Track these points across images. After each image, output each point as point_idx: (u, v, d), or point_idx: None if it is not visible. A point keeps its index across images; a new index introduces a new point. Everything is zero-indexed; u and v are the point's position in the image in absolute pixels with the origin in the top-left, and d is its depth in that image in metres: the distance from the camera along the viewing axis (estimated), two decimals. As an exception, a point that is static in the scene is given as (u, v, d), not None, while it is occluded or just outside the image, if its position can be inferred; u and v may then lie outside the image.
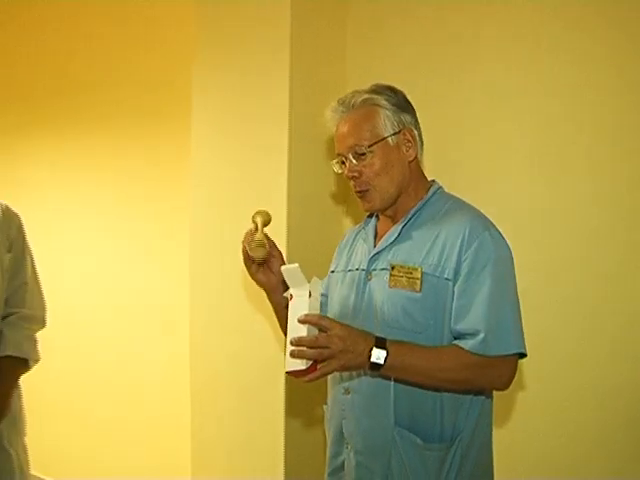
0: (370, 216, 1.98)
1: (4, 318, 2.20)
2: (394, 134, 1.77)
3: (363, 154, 1.76)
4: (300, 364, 1.59)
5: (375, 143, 1.76)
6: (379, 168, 1.77)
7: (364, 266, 1.85)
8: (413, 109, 1.85)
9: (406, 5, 2.48)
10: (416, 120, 1.84)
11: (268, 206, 2.34)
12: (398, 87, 1.83)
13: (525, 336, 1.67)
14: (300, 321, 1.61)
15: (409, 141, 1.80)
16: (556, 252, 2.20)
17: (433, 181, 1.89)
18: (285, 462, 2.43)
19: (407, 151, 1.80)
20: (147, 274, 3.46)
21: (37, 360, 2.25)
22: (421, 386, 1.71)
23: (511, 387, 1.68)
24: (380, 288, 1.78)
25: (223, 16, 2.53)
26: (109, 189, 3.60)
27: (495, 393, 1.81)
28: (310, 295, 1.67)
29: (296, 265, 1.70)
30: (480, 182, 2.32)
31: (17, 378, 2.22)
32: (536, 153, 2.23)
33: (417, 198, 1.83)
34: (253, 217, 1.86)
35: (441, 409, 1.73)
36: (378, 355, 1.60)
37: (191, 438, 2.69)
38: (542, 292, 2.21)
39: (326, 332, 1.58)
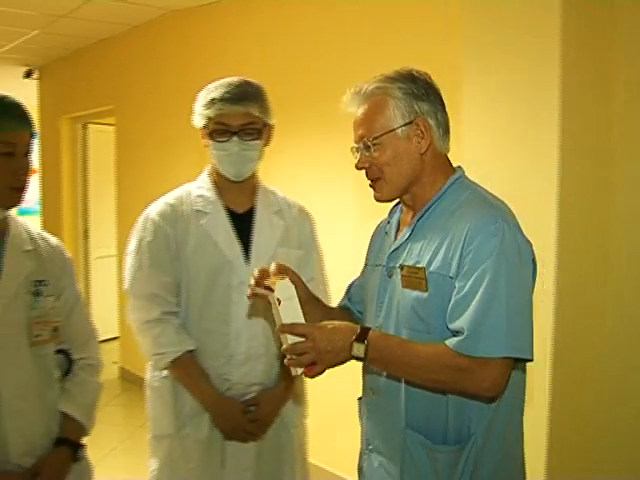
0: (397, 205, 1.92)
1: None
2: (404, 125, 1.70)
3: (369, 146, 1.72)
4: (295, 371, 1.64)
5: (382, 135, 1.71)
6: (387, 160, 1.72)
7: (385, 262, 1.82)
8: (435, 96, 1.76)
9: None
10: (436, 108, 1.75)
11: (535, 216, 2.26)
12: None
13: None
14: (278, 332, 1.64)
15: (422, 132, 1.71)
16: None
17: (457, 169, 1.80)
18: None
19: (419, 143, 1.72)
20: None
21: None
22: (410, 382, 1.67)
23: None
24: (397, 287, 1.75)
25: (489, 20, 2.51)
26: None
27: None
28: (280, 302, 1.64)
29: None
30: None
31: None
32: None
33: (434, 190, 1.76)
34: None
35: (449, 411, 1.68)
36: (358, 349, 1.59)
37: (548, 437, 2.49)
38: None
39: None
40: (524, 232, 1.70)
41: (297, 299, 1.67)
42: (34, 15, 5.60)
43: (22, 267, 1.99)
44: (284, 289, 1.67)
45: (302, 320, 1.65)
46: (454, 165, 1.83)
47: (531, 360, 1.63)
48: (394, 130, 1.71)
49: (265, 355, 2.34)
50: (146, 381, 2.43)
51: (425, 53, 3.39)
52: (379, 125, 1.71)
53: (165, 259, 2.30)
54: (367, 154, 1.74)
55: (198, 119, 2.30)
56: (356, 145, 1.77)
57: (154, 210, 2.36)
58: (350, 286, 2.12)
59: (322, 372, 1.64)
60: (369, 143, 1.73)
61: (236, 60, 4.73)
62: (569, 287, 2.32)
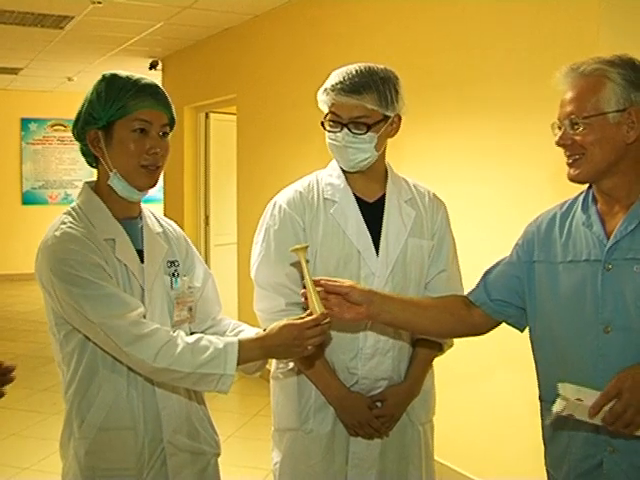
0: (585, 199, 1.86)
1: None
2: (617, 111, 1.70)
3: (577, 124, 1.72)
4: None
5: (593, 116, 1.71)
6: (591, 141, 1.71)
7: (598, 256, 1.75)
8: None
9: None
10: None
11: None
12: None
13: None
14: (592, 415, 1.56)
15: (633, 122, 1.70)
16: None
17: None
18: None
19: (627, 132, 1.71)
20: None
21: (450, 345, 2.36)
22: None
23: None
24: (629, 280, 1.70)
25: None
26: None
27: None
28: None
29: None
30: None
31: (430, 361, 2.36)
32: None
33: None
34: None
35: None
36: None
37: None
38: None
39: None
40: None
41: None
42: (159, 7, 5.73)
43: (160, 249, 2.06)
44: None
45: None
46: None
47: None
48: (605, 114, 1.71)
49: (393, 350, 2.28)
50: (270, 373, 2.40)
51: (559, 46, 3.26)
52: (591, 105, 1.72)
53: None
54: (571, 132, 1.75)
55: (321, 105, 2.25)
56: (560, 122, 1.78)
57: (282, 198, 2.32)
58: (487, 282, 2.03)
59: None
60: (577, 121, 1.73)
61: (363, 46, 4.64)
62: None
